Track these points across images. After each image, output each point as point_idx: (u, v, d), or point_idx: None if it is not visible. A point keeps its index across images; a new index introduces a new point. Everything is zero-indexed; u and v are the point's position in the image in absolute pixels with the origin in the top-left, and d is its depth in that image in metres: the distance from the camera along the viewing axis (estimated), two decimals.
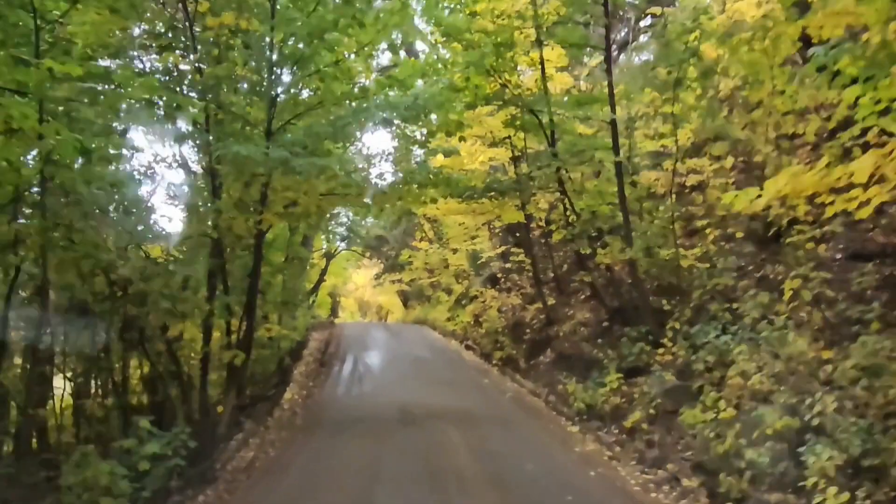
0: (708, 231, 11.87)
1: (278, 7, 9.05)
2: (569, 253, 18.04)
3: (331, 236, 26.76)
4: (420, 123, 8.80)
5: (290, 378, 14.54)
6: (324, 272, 30.30)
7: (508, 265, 20.01)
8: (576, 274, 16.35)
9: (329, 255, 31.30)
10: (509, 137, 15.58)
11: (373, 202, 10.56)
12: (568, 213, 13.27)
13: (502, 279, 20.66)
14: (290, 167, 7.58)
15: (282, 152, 7.55)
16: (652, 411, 8.63)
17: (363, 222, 28.61)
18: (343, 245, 32.83)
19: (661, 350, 10.07)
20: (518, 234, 20.16)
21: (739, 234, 11.29)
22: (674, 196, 12.49)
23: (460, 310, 22.67)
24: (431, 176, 10.21)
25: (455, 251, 24.17)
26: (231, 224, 9.33)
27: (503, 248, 20.25)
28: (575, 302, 16.12)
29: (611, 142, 11.73)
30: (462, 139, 12.30)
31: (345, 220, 16.20)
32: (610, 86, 11.90)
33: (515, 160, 16.39)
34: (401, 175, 10.29)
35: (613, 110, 11.65)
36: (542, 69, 12.93)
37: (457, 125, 10.46)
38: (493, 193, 12.95)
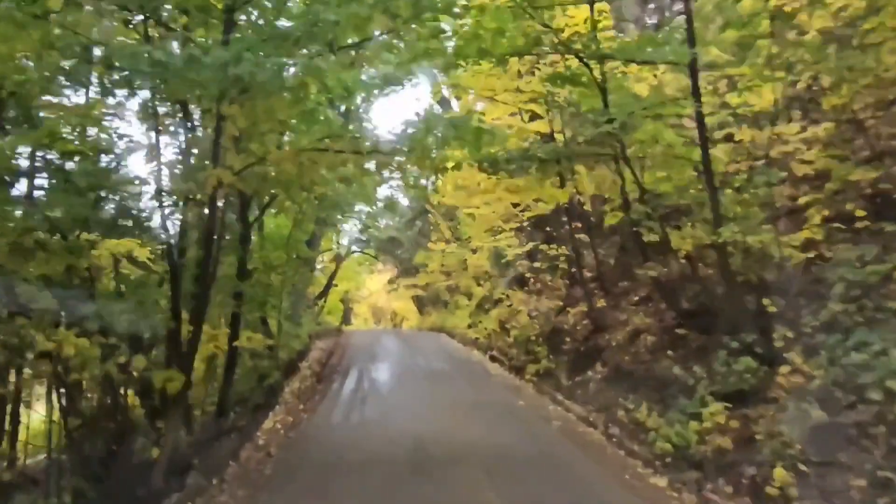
0: (811, 211, 9.12)
1: None
2: (612, 247, 15.40)
3: (339, 232, 24.21)
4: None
5: (278, 398, 11.69)
6: (333, 276, 28.06)
7: (538, 264, 17.34)
8: (625, 270, 13.58)
9: (340, 258, 29.03)
10: (546, 104, 12.77)
11: (376, 166, 7.69)
12: (629, 190, 10.31)
13: (531, 280, 18.11)
14: (238, 79, 4.75)
15: (221, 54, 4.72)
16: (802, 466, 5.59)
17: (376, 222, 26.21)
18: (355, 248, 30.59)
19: (782, 369, 7.08)
20: (549, 228, 17.56)
21: (860, 213, 8.54)
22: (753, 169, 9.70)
23: (483, 315, 20.06)
24: (455, 128, 7.28)
25: (475, 251, 21.51)
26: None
27: (531, 244, 17.44)
28: (626, 304, 13.32)
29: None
30: (500, 64, 9.29)
31: (345, 204, 13.43)
32: (688, 15, 9.00)
33: (551, 136, 13.66)
34: (415, 126, 7.28)
35: (692, 44, 8.72)
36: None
37: (493, 37, 7.47)
38: (530, 165, 9.98)
